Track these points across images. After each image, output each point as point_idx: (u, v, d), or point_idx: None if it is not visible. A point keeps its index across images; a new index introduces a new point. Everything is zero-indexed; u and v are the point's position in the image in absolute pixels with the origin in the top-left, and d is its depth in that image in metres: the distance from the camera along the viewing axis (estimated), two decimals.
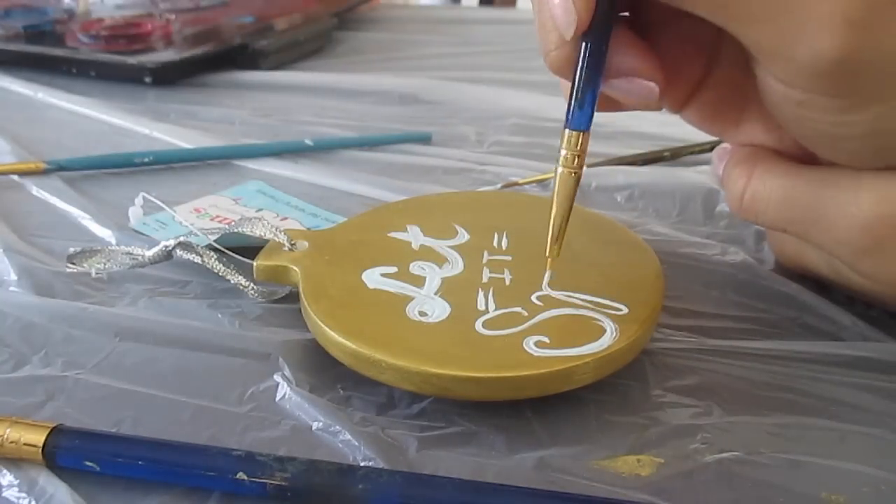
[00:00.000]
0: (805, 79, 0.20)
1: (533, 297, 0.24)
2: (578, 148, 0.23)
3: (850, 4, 0.18)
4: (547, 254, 0.24)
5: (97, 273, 0.27)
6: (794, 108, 0.21)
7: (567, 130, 0.23)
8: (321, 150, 0.40)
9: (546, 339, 0.22)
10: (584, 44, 0.22)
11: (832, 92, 0.20)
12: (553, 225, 0.23)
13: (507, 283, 0.24)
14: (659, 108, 0.25)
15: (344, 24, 0.65)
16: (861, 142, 0.21)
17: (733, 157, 0.25)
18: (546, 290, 0.24)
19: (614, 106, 0.24)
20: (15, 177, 0.35)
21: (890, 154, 0.21)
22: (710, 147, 0.39)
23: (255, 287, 0.26)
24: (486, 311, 0.23)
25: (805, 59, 0.19)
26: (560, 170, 0.23)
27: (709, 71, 0.25)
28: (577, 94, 0.23)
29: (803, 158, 0.24)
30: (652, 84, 0.23)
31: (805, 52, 0.19)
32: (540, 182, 0.36)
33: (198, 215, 0.32)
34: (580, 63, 0.23)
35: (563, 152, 0.23)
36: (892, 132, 0.20)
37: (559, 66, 0.23)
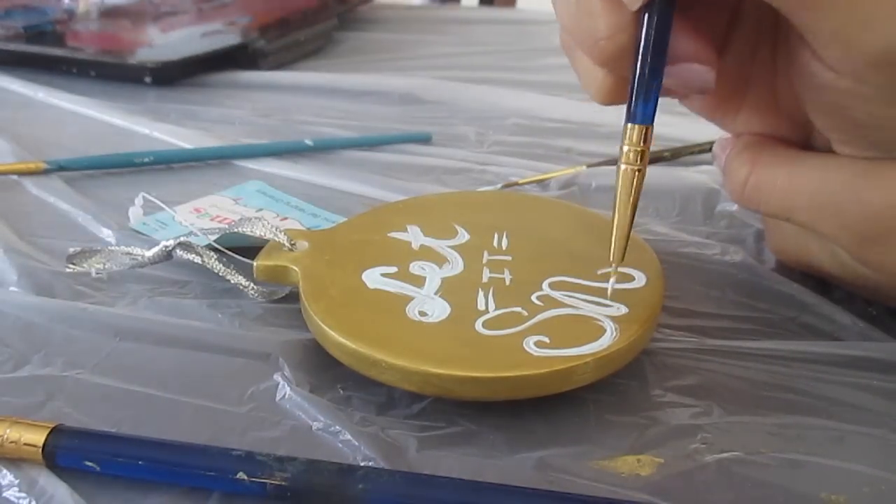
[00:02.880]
0: (862, 67, 0.19)
1: (533, 297, 0.24)
2: (643, 144, 0.22)
3: None
4: (612, 259, 0.22)
5: (97, 273, 0.27)
6: (836, 95, 0.21)
7: (629, 125, 0.22)
8: (321, 150, 0.40)
9: (546, 339, 0.22)
10: (645, 25, 0.21)
11: (888, 84, 0.19)
12: (617, 228, 0.22)
13: (507, 283, 0.24)
14: (711, 92, 0.23)
15: (344, 24, 0.65)
16: (893, 133, 0.21)
17: (737, 146, 0.25)
18: (546, 290, 0.24)
19: (666, 92, 0.23)
20: (15, 177, 0.35)
21: None
22: (710, 147, 0.39)
23: (255, 287, 0.26)
24: (486, 311, 0.23)
25: (867, 48, 0.19)
26: (623, 167, 0.22)
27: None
28: (639, 84, 0.21)
29: (800, 147, 0.24)
30: (709, 69, 0.22)
31: (869, 41, 0.19)
32: (540, 182, 0.36)
33: (198, 215, 0.32)
34: (642, 48, 0.21)
35: (626, 148, 0.22)
36: None
37: (613, 56, 0.21)
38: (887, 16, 0.18)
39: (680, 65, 0.22)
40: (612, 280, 0.23)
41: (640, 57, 0.21)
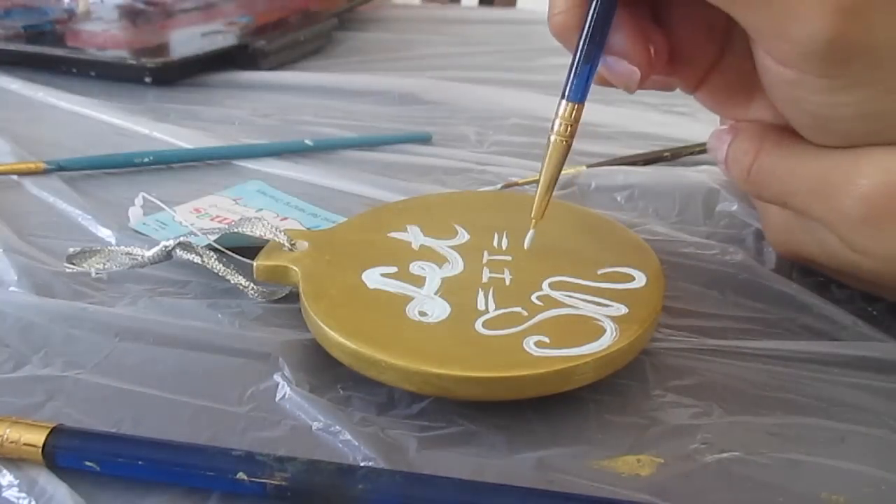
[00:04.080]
0: (797, 59, 0.21)
1: (533, 297, 0.24)
2: (572, 118, 0.25)
3: None
4: (532, 215, 0.25)
5: (97, 273, 0.27)
6: (787, 88, 0.22)
7: (563, 101, 0.25)
8: (321, 150, 0.40)
9: (546, 339, 0.22)
10: (588, 12, 0.24)
11: (822, 73, 0.21)
12: (540, 188, 0.25)
13: (507, 283, 0.24)
14: (661, 88, 0.27)
15: (344, 24, 0.65)
16: (850, 123, 0.22)
17: (741, 133, 0.26)
18: (546, 290, 0.24)
19: (601, 80, 0.26)
20: (15, 177, 0.35)
21: (879, 136, 0.22)
22: None
23: (255, 287, 0.26)
24: (486, 311, 0.23)
25: (797, 40, 0.20)
26: (553, 138, 0.25)
27: (722, 55, 0.26)
28: (576, 66, 0.24)
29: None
30: (635, 69, 0.24)
31: (797, 33, 0.20)
32: None
33: (198, 215, 0.32)
34: (583, 32, 0.24)
35: (558, 122, 0.25)
36: (880, 114, 0.21)
37: (561, 30, 0.25)
38: (807, 12, 0.20)
39: (612, 57, 0.25)
40: (530, 233, 0.26)
41: (579, 40, 0.24)
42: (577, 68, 0.24)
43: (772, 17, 0.21)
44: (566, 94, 0.25)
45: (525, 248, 0.26)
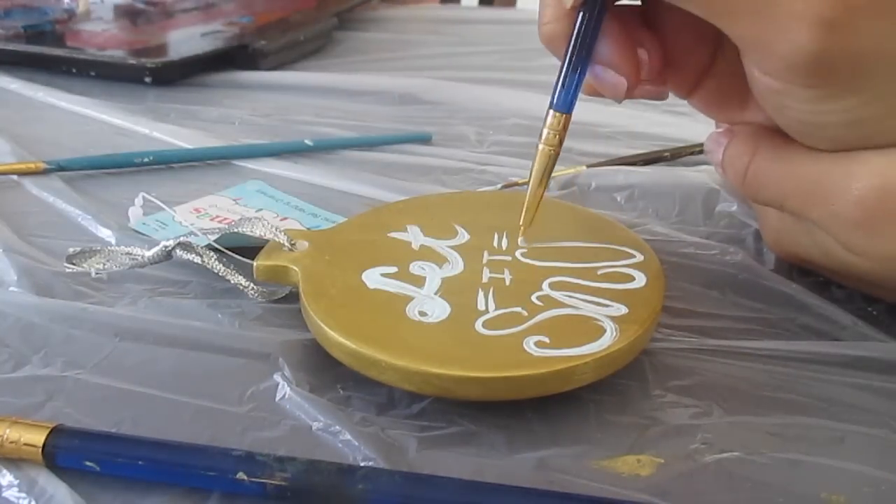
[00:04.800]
0: (783, 70, 0.21)
1: (533, 297, 0.24)
2: (560, 127, 0.25)
3: (824, 4, 0.19)
4: (521, 223, 0.26)
5: (97, 273, 0.27)
6: (775, 97, 0.22)
7: (551, 111, 0.25)
8: (321, 150, 0.40)
9: (546, 339, 0.22)
10: (577, 24, 0.24)
11: (808, 83, 0.21)
12: (529, 195, 0.26)
13: (507, 283, 0.24)
14: (620, 101, 0.27)
15: (344, 24, 0.65)
16: (838, 130, 0.22)
17: (737, 136, 0.26)
18: (546, 290, 0.24)
19: (590, 89, 0.26)
20: (15, 177, 0.35)
21: (868, 140, 0.22)
22: None
23: (255, 287, 0.26)
24: (486, 311, 0.23)
25: (782, 52, 0.20)
26: (541, 146, 0.25)
27: (714, 60, 0.27)
28: (563, 76, 0.25)
29: None
30: (622, 80, 0.25)
31: (782, 46, 0.20)
32: None
33: (198, 215, 0.32)
34: (571, 43, 0.24)
35: (546, 131, 0.25)
36: (867, 120, 0.21)
37: (550, 40, 0.25)
38: (791, 25, 0.20)
39: (599, 67, 0.25)
40: (520, 238, 0.26)
41: (567, 50, 0.25)
42: (564, 78, 0.25)
43: (757, 30, 0.21)
44: (553, 103, 0.25)
45: (517, 256, 0.26)
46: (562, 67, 0.25)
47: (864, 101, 0.21)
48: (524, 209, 0.26)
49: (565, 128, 0.25)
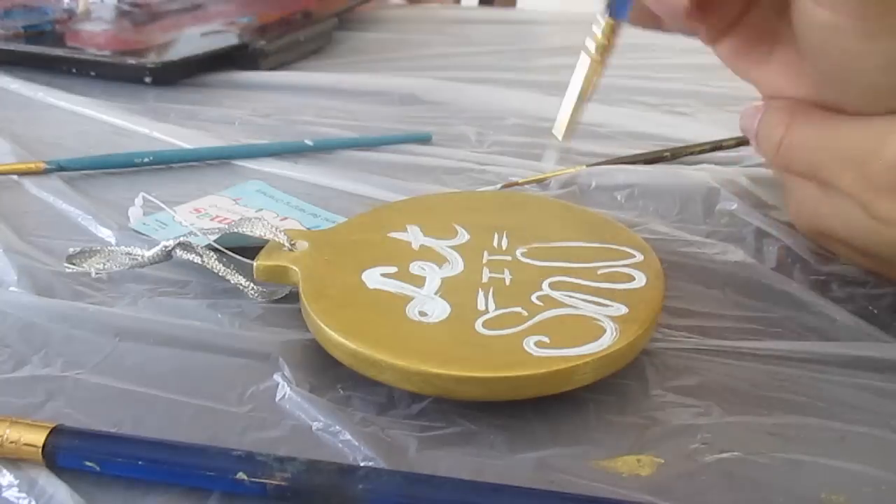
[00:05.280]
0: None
1: (533, 297, 0.24)
2: (609, 34, 0.24)
3: None
4: (559, 134, 0.25)
5: (97, 273, 0.27)
6: (818, 32, 0.22)
7: (604, 18, 0.24)
8: (321, 150, 0.40)
9: (546, 339, 0.22)
10: None
11: (859, 15, 0.21)
12: (567, 105, 0.24)
13: (507, 283, 0.24)
14: (686, 32, 0.26)
15: (344, 24, 0.65)
16: (876, 75, 0.22)
17: (771, 108, 0.26)
18: (546, 290, 0.24)
19: (650, 19, 0.25)
20: (15, 177, 0.35)
21: None
22: (711, 147, 0.39)
23: (255, 287, 0.26)
24: (486, 311, 0.23)
25: None
26: (587, 54, 0.24)
27: (746, 10, 0.27)
28: None
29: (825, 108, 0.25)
30: (681, 1, 0.24)
31: None
32: (540, 182, 0.36)
33: (198, 215, 0.32)
34: None
35: (593, 39, 0.24)
36: None
37: None
38: None
39: None
40: (551, 152, 0.26)
41: None
42: None
43: None
44: (608, 8, 0.24)
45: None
46: None
47: None
48: (561, 118, 0.24)
49: (614, 36, 0.24)
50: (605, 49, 0.24)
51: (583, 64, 0.24)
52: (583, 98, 0.24)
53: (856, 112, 0.23)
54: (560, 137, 0.25)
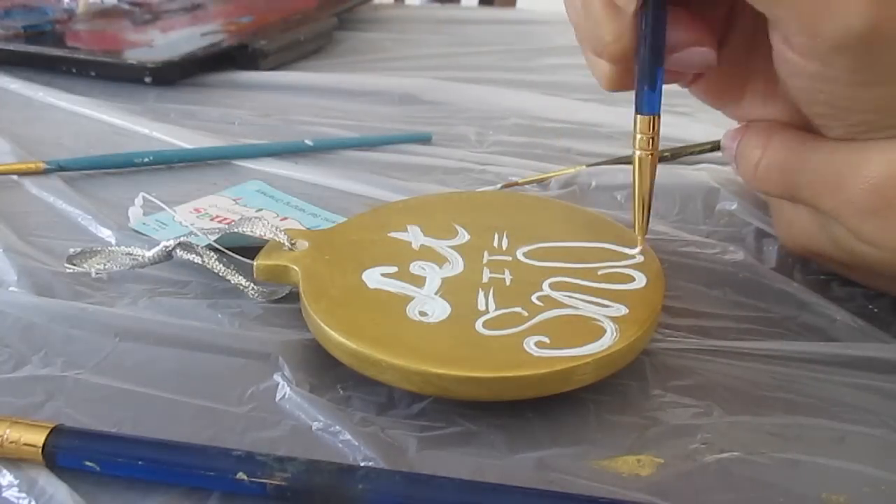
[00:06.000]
0: (826, 52, 0.21)
1: (533, 298, 0.24)
2: (653, 130, 0.24)
3: None
4: (637, 233, 0.26)
5: (97, 273, 0.27)
6: (806, 80, 0.22)
7: (638, 115, 0.25)
8: (321, 150, 0.40)
9: (546, 340, 0.22)
10: (643, 25, 0.23)
11: (851, 67, 0.21)
12: (637, 206, 0.25)
13: (508, 283, 0.24)
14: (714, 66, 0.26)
15: (344, 24, 0.65)
16: (867, 115, 0.22)
17: (749, 130, 0.26)
18: (546, 291, 0.24)
19: (674, 77, 0.26)
20: (15, 177, 0.35)
21: (891, 130, 0.22)
22: (711, 147, 0.39)
23: (255, 287, 0.26)
24: (487, 311, 0.23)
25: (828, 34, 0.20)
26: (638, 153, 0.25)
27: (719, 48, 0.26)
28: (644, 77, 0.24)
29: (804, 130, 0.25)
30: (708, 49, 0.24)
31: (830, 27, 0.20)
32: (540, 182, 0.36)
33: (198, 215, 0.32)
34: (642, 44, 0.24)
35: (638, 136, 0.25)
36: None
37: (618, 57, 0.24)
38: (842, 4, 0.19)
39: (682, 51, 0.24)
40: (639, 248, 0.26)
41: (642, 53, 0.23)
42: (646, 79, 0.24)
43: (801, 10, 0.20)
44: (641, 107, 0.24)
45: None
46: (642, 69, 0.24)
47: None
48: (636, 219, 0.25)
49: (657, 129, 0.24)
50: (652, 142, 0.24)
51: (638, 164, 0.25)
52: (649, 196, 0.25)
53: (836, 138, 0.23)
54: (639, 239, 0.26)
